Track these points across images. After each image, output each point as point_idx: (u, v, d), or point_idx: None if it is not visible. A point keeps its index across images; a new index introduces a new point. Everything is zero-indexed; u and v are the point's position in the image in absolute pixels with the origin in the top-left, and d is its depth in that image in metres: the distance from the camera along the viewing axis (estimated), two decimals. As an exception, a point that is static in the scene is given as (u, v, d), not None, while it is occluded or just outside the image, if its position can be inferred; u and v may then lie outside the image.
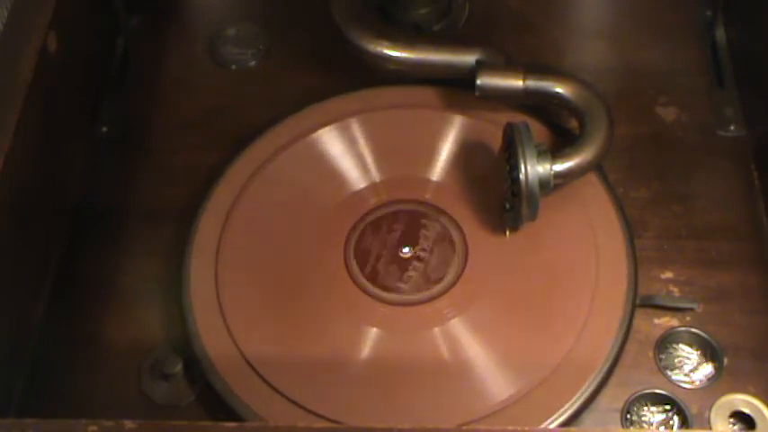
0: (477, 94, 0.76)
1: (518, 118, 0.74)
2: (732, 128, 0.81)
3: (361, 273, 0.73)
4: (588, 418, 0.67)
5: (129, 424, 0.52)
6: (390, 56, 0.79)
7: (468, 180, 0.77)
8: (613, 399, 0.68)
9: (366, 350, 0.70)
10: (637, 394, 0.68)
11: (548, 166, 0.71)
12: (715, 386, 0.68)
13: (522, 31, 0.87)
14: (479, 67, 0.77)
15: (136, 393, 0.69)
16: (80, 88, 0.81)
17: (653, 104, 0.82)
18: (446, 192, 0.77)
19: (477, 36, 0.87)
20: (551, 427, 0.66)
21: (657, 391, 0.68)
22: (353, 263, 0.73)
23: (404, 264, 0.73)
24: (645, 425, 0.67)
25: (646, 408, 0.68)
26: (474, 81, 0.76)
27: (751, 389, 0.68)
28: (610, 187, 0.76)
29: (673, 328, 0.71)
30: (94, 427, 0.52)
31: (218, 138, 0.81)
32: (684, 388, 0.68)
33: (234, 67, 0.87)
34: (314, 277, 0.73)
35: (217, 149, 0.80)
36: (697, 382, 0.69)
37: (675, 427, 0.67)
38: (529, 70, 0.76)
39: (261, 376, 0.68)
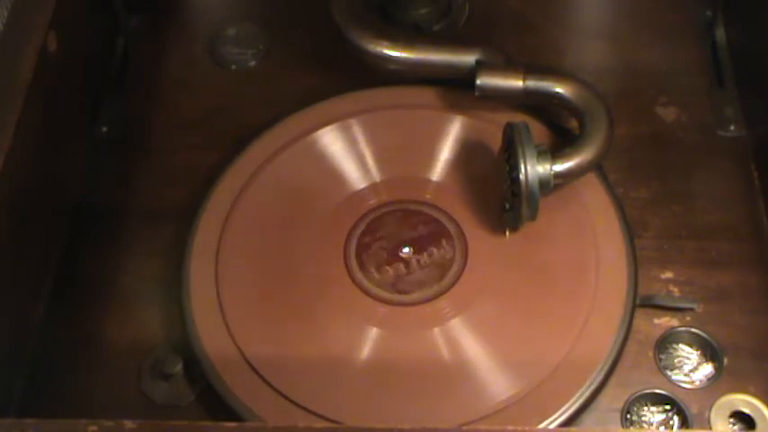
0: (476, 94, 0.76)
1: (518, 118, 0.74)
2: (732, 128, 0.81)
3: (361, 273, 0.73)
4: (588, 418, 0.67)
5: (129, 424, 0.52)
6: (390, 56, 0.79)
7: (468, 180, 0.77)
8: (613, 399, 0.68)
9: (366, 350, 0.70)
10: (637, 394, 0.68)
11: (548, 166, 0.71)
12: (715, 386, 0.68)
13: (522, 31, 0.87)
14: (479, 67, 0.77)
15: (136, 393, 0.69)
16: (80, 88, 0.81)
17: (653, 104, 0.82)
18: (446, 192, 0.76)
19: (477, 36, 0.87)
20: (551, 427, 0.66)
21: (657, 391, 0.68)
22: (353, 263, 0.73)
23: (404, 264, 0.73)
24: (645, 425, 0.67)
25: (646, 408, 0.68)
26: (474, 81, 0.76)
27: (751, 389, 0.68)
28: (610, 187, 0.76)
29: (673, 328, 0.71)
30: (94, 427, 0.52)
31: (218, 138, 0.81)
32: (684, 388, 0.68)
33: (234, 67, 0.87)
34: (314, 277, 0.73)
35: (217, 149, 0.80)
36: (697, 382, 0.69)
37: (675, 427, 0.67)
38: (529, 70, 0.76)
39: (261, 376, 0.68)
